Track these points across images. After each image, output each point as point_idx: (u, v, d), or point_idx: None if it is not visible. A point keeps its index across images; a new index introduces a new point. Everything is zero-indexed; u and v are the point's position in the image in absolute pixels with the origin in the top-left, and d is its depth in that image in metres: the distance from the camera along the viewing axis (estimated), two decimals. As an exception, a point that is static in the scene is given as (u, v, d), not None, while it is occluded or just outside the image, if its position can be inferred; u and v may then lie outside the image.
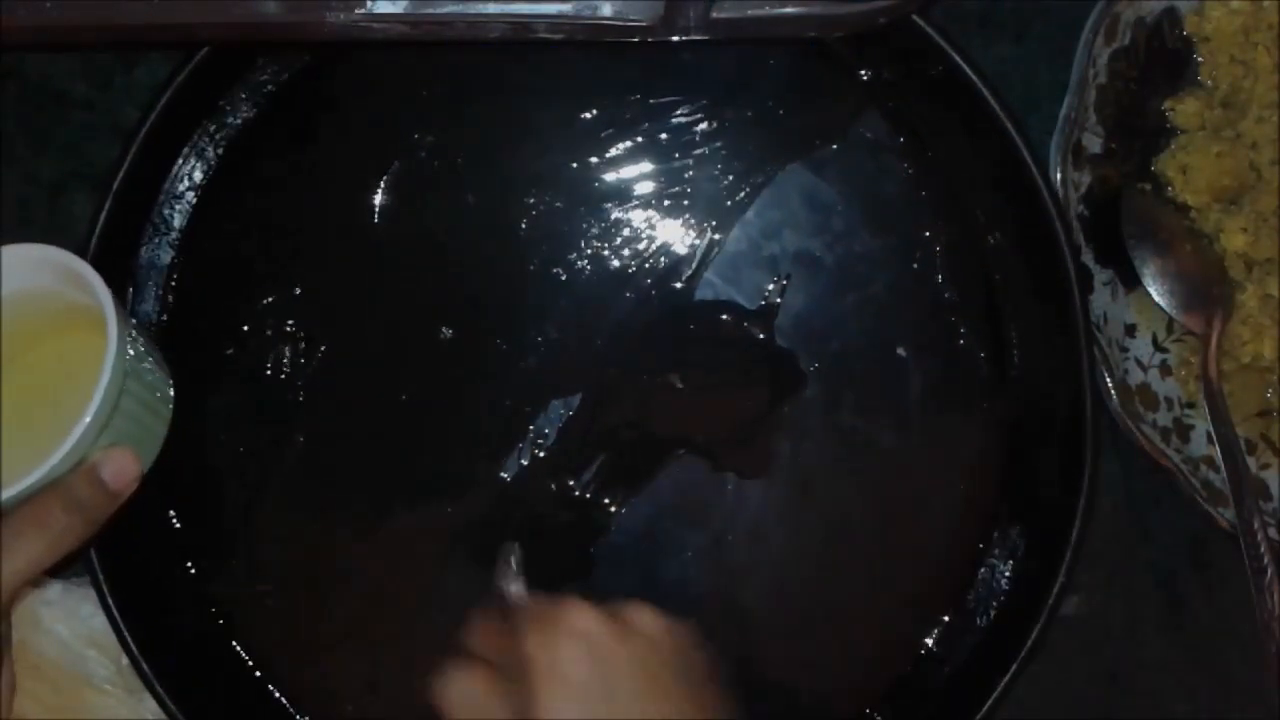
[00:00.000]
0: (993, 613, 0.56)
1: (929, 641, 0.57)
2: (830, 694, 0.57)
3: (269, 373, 0.57)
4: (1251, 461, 0.57)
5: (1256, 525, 0.54)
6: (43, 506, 0.45)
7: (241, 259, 0.57)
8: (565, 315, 0.57)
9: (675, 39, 0.52)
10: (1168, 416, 0.57)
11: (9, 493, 0.45)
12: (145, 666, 0.53)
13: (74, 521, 0.46)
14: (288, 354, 0.57)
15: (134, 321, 0.48)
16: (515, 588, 0.49)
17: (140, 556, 0.55)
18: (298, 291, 0.57)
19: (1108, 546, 0.58)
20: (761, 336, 0.57)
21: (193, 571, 0.56)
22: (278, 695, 0.56)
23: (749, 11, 0.51)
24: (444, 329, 0.57)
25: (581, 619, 0.45)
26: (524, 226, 0.57)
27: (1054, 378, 0.56)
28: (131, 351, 0.47)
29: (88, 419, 0.45)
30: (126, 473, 0.47)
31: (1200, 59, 0.58)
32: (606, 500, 0.57)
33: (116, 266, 0.55)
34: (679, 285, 0.57)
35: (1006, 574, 0.57)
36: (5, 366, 0.50)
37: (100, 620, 0.54)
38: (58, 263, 0.48)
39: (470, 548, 0.56)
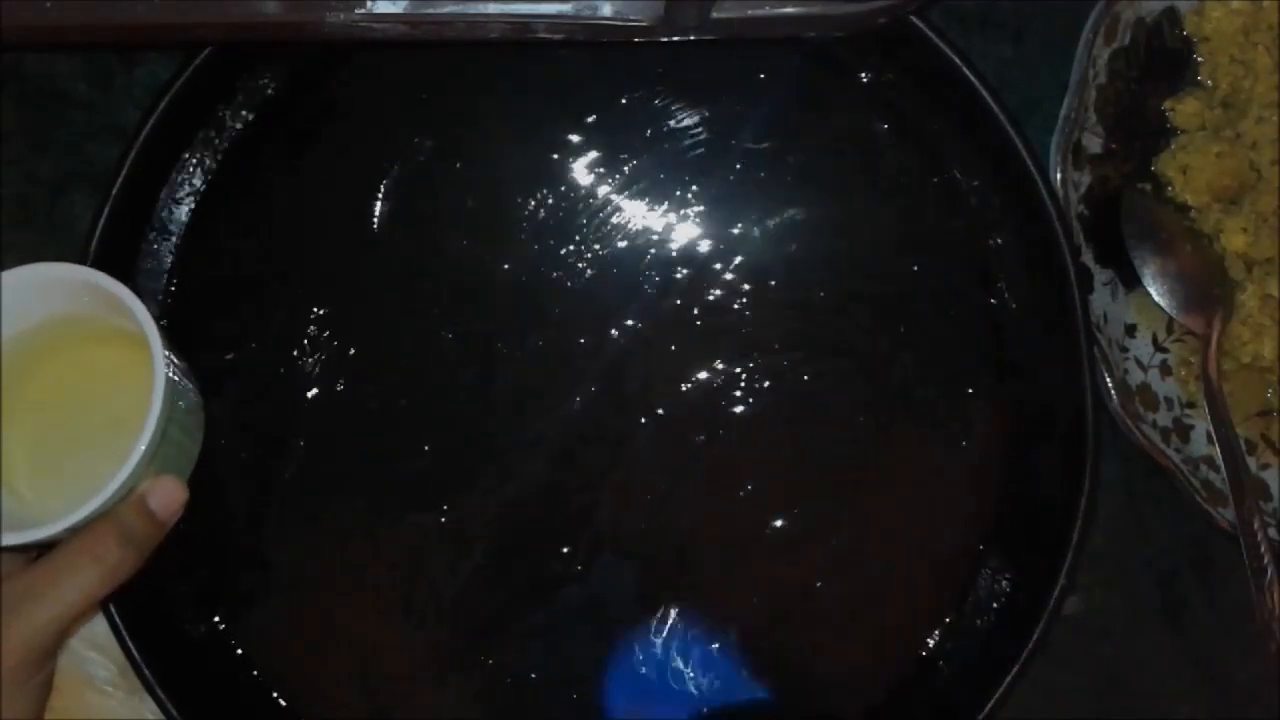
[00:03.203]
0: (993, 613, 0.56)
1: (930, 642, 0.57)
2: (832, 695, 0.57)
3: (269, 376, 0.57)
4: (1251, 461, 0.58)
5: (1256, 525, 0.54)
6: (97, 539, 0.45)
7: (242, 261, 0.57)
8: (566, 317, 0.57)
9: (675, 39, 0.52)
10: (1168, 416, 0.57)
11: (63, 525, 0.44)
12: (145, 669, 0.53)
13: (127, 554, 0.46)
14: (288, 358, 0.57)
15: (167, 340, 0.48)
16: None
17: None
18: (298, 295, 0.57)
19: (1108, 546, 0.58)
20: (763, 338, 0.57)
21: (193, 574, 0.56)
22: (277, 697, 0.56)
23: (749, 11, 0.51)
24: (444, 332, 0.57)
25: None
26: (524, 229, 0.57)
27: (1054, 378, 0.56)
28: (174, 376, 0.47)
29: (142, 447, 0.45)
30: (175, 501, 0.47)
31: (1200, 59, 0.58)
32: (607, 502, 0.57)
33: (116, 268, 0.55)
34: (680, 287, 0.57)
35: (1007, 574, 0.57)
36: (24, 378, 0.49)
37: (101, 622, 0.54)
38: (88, 283, 0.47)
39: (472, 550, 0.56)
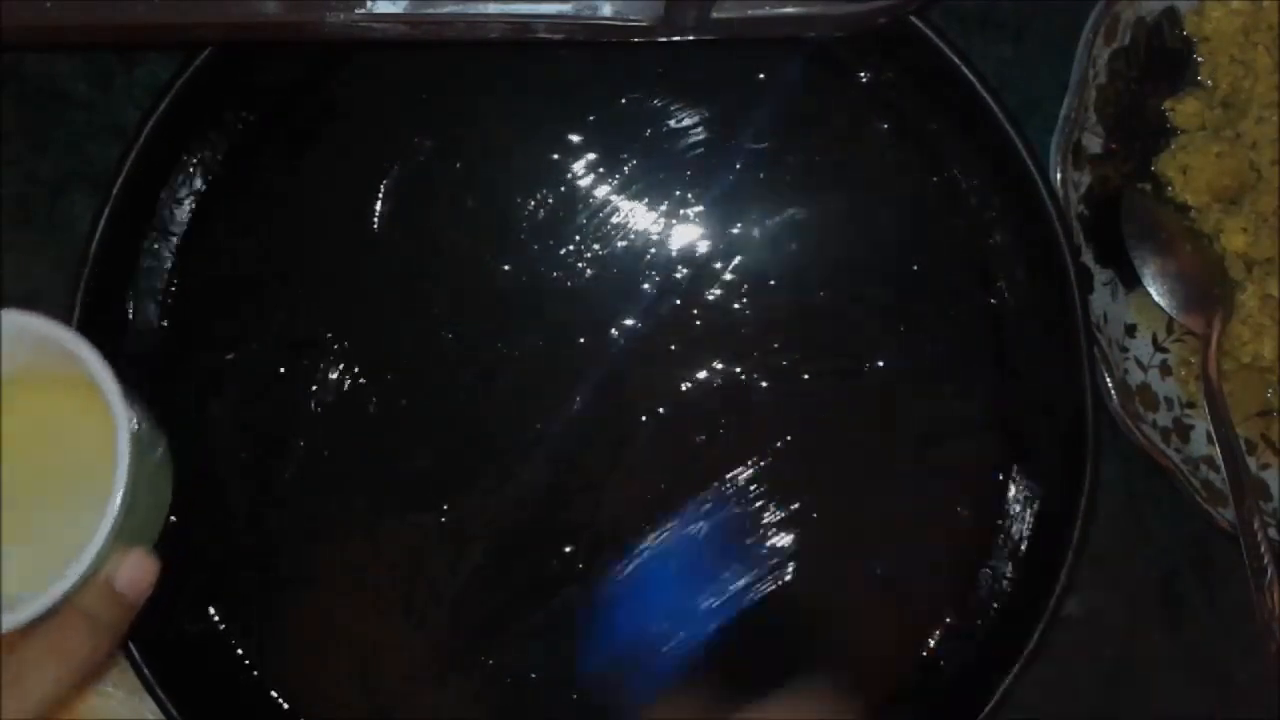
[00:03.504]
0: (994, 614, 0.56)
1: (931, 643, 0.57)
2: (832, 695, 0.57)
3: (269, 376, 0.57)
4: (1251, 461, 0.58)
5: (1256, 525, 0.54)
6: (62, 634, 0.43)
7: (242, 262, 0.57)
8: (566, 317, 0.57)
9: (675, 39, 0.52)
10: (1168, 416, 0.57)
11: (22, 617, 0.42)
12: (145, 669, 0.53)
13: (98, 643, 0.43)
14: (288, 358, 0.57)
15: (125, 388, 0.44)
16: None
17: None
18: (298, 295, 0.57)
19: (1108, 546, 0.58)
20: (763, 338, 0.57)
21: (193, 573, 0.56)
22: (277, 697, 0.56)
23: (749, 11, 0.51)
24: (444, 332, 0.57)
25: None
26: (524, 229, 0.57)
27: (1054, 378, 0.56)
28: (139, 432, 0.44)
29: (106, 529, 0.42)
30: (144, 579, 0.45)
31: (1200, 59, 0.58)
32: (607, 502, 0.57)
33: (116, 268, 0.55)
34: (680, 287, 0.57)
35: (1008, 575, 0.57)
36: None
37: (100, 621, 0.54)
38: (41, 334, 0.44)
39: (472, 550, 0.56)
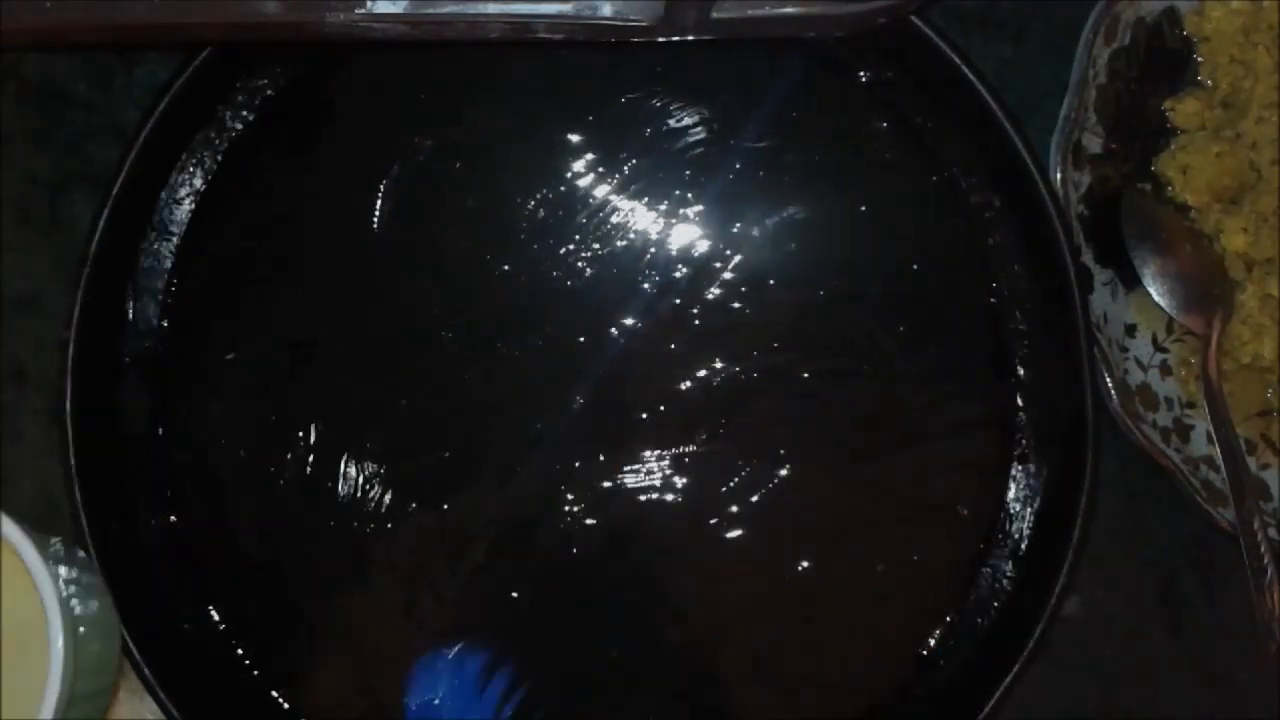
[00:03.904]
0: (994, 613, 0.56)
1: (930, 642, 0.57)
2: (831, 696, 0.57)
3: (269, 376, 0.57)
4: (1251, 461, 0.57)
5: (1256, 525, 0.54)
6: None
7: (242, 262, 0.57)
8: (566, 317, 0.57)
9: (675, 39, 0.52)
10: (1168, 416, 0.57)
11: None
12: (145, 669, 0.53)
13: None
14: (288, 358, 0.57)
15: (58, 549, 0.42)
16: None
17: (141, 559, 0.55)
18: (298, 295, 0.57)
19: (1108, 546, 0.58)
20: (763, 338, 0.57)
21: (193, 573, 0.56)
22: (277, 697, 0.56)
23: (749, 11, 0.51)
24: (444, 332, 0.57)
25: None
26: (524, 229, 0.57)
27: (1054, 378, 0.56)
28: (71, 601, 0.41)
29: None
30: None
31: (1200, 59, 0.58)
32: (604, 503, 0.57)
33: (116, 269, 0.55)
34: (680, 287, 0.57)
35: (1007, 574, 0.57)
36: None
37: (100, 622, 0.54)
38: None
39: (472, 551, 0.56)
